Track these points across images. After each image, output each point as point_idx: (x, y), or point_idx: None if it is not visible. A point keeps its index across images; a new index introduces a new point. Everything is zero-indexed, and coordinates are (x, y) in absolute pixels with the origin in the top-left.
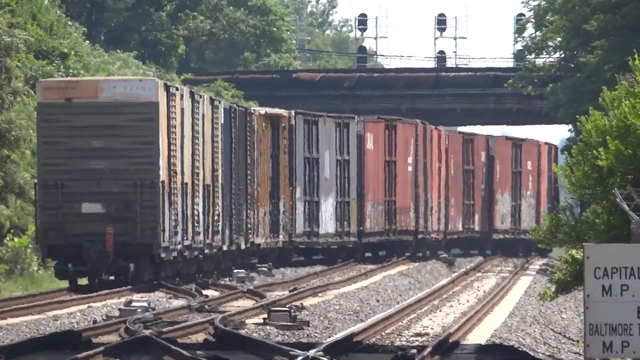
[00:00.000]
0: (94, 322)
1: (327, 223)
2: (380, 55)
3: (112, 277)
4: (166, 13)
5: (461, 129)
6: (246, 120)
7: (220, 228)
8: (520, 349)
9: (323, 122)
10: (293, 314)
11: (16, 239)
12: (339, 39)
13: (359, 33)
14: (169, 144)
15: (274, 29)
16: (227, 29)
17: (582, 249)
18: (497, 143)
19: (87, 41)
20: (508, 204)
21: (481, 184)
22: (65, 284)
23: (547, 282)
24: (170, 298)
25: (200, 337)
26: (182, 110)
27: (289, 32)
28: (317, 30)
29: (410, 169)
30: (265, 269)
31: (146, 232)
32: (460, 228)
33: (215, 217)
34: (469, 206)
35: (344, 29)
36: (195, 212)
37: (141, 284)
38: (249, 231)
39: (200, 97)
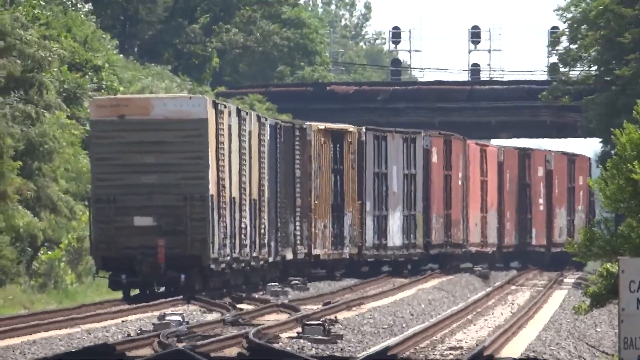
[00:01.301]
0: (128, 335)
1: (395, 235)
2: (414, 68)
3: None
4: (200, 26)
5: (503, 142)
6: (294, 135)
7: (266, 241)
8: None
9: (391, 137)
10: (327, 327)
11: (50, 252)
12: (373, 51)
13: (392, 46)
14: (217, 159)
15: (308, 41)
16: (261, 41)
17: (617, 263)
18: (554, 158)
19: (121, 54)
20: (564, 219)
21: (539, 198)
22: (98, 296)
23: (581, 296)
24: (204, 312)
25: (234, 351)
26: (230, 126)
27: (322, 45)
28: (350, 42)
29: (459, 182)
30: (299, 283)
31: (196, 244)
32: (515, 242)
33: (262, 231)
34: (525, 220)
35: (378, 41)
36: (243, 226)
37: (191, 294)
38: (298, 243)
39: (247, 114)
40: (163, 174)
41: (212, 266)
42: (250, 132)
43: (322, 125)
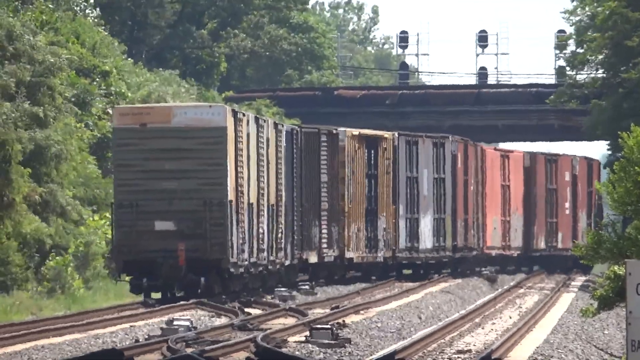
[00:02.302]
0: (136, 340)
1: (426, 238)
2: (422, 72)
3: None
4: (207, 31)
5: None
6: (320, 140)
7: (282, 245)
8: None
9: (422, 142)
10: (335, 331)
11: (57, 258)
12: (381, 55)
13: (400, 50)
14: (236, 166)
15: (316, 46)
16: (269, 46)
17: (624, 265)
18: (579, 163)
19: (129, 59)
20: (584, 222)
21: (565, 202)
22: (106, 302)
23: (589, 299)
24: (212, 316)
25: (242, 356)
26: (248, 134)
27: (330, 50)
28: (358, 47)
29: (472, 187)
30: (308, 287)
31: (215, 248)
32: (543, 246)
33: (279, 235)
34: (552, 224)
35: (386, 46)
36: (260, 230)
37: (212, 296)
38: (324, 246)
39: (265, 121)
40: (183, 180)
41: (232, 270)
42: (267, 139)
43: (356, 132)
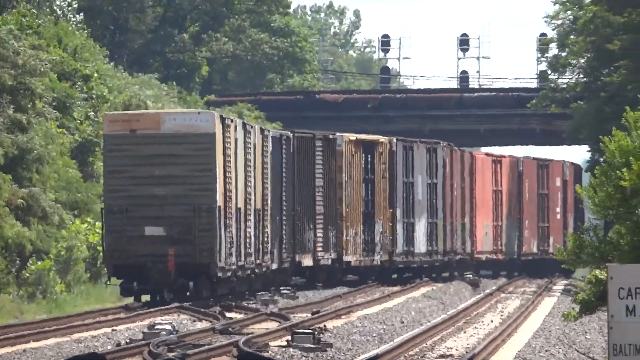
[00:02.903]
0: (118, 344)
1: (421, 242)
2: (404, 75)
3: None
4: (189, 35)
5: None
6: (315, 145)
7: (269, 249)
8: None
9: (417, 147)
10: (316, 336)
11: (39, 262)
12: (362, 59)
13: (382, 54)
14: (225, 171)
15: (297, 50)
16: (251, 50)
17: (605, 270)
18: (569, 168)
19: (111, 63)
20: (571, 227)
21: (557, 207)
22: (87, 306)
23: (571, 303)
24: (194, 320)
25: None
26: (236, 140)
27: (312, 53)
28: (340, 50)
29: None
30: (289, 292)
31: (204, 253)
32: (535, 250)
33: (265, 239)
34: (544, 229)
35: (367, 49)
36: (248, 235)
37: (199, 300)
38: (319, 249)
39: (252, 127)
40: (173, 186)
41: (220, 274)
42: (254, 145)
43: (353, 137)
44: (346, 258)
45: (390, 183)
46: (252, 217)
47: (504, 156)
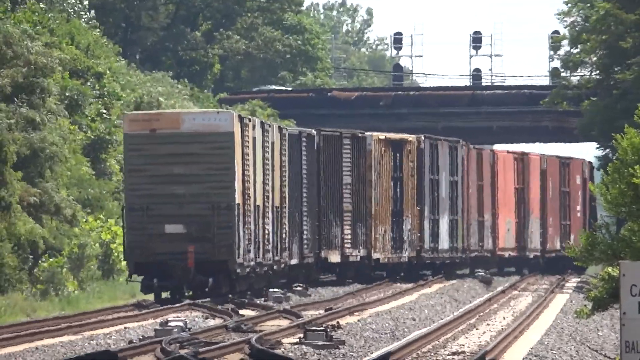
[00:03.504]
0: (130, 342)
1: (444, 239)
2: (416, 73)
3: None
4: (201, 32)
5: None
6: (342, 144)
7: (287, 245)
8: None
9: (441, 145)
10: (329, 333)
11: (52, 259)
12: (375, 57)
13: (394, 51)
14: (243, 170)
15: (310, 47)
16: (263, 48)
17: (618, 267)
18: (587, 166)
19: (123, 60)
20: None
21: (577, 204)
22: (100, 304)
23: (583, 300)
24: (206, 318)
25: (236, 357)
26: (254, 139)
27: (324, 51)
28: (352, 48)
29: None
30: (301, 289)
31: (223, 250)
32: (558, 247)
33: (283, 236)
34: (565, 226)
35: (380, 47)
36: (266, 232)
37: (219, 297)
38: (347, 246)
39: (270, 126)
40: (192, 184)
41: (238, 270)
42: (272, 143)
43: (382, 135)
44: (375, 255)
45: (418, 180)
46: (270, 215)
47: (527, 154)
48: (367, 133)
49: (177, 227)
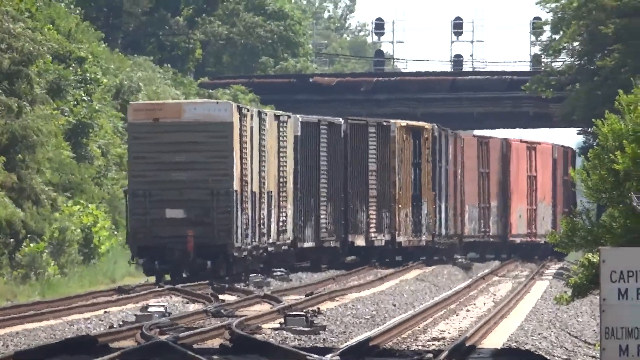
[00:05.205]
0: (110, 327)
1: (449, 224)
2: (397, 59)
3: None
4: (183, 18)
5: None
6: (368, 131)
7: (286, 228)
8: (536, 353)
9: (448, 134)
10: (309, 318)
11: (32, 244)
12: (356, 43)
13: (375, 37)
14: (241, 157)
15: (291, 33)
16: (244, 33)
17: (598, 253)
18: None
19: (105, 45)
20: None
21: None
22: (80, 288)
23: (563, 286)
24: (186, 303)
25: (216, 342)
26: (252, 128)
27: (305, 37)
28: (334, 34)
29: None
30: (282, 274)
31: (221, 234)
32: None
33: (281, 220)
34: (569, 214)
35: (361, 33)
36: (262, 217)
37: (217, 278)
38: (372, 230)
39: (266, 115)
40: (192, 171)
41: (236, 254)
42: (268, 132)
43: (404, 123)
44: (399, 239)
45: (433, 167)
46: (265, 200)
47: (539, 142)
48: (391, 121)
49: (178, 212)
